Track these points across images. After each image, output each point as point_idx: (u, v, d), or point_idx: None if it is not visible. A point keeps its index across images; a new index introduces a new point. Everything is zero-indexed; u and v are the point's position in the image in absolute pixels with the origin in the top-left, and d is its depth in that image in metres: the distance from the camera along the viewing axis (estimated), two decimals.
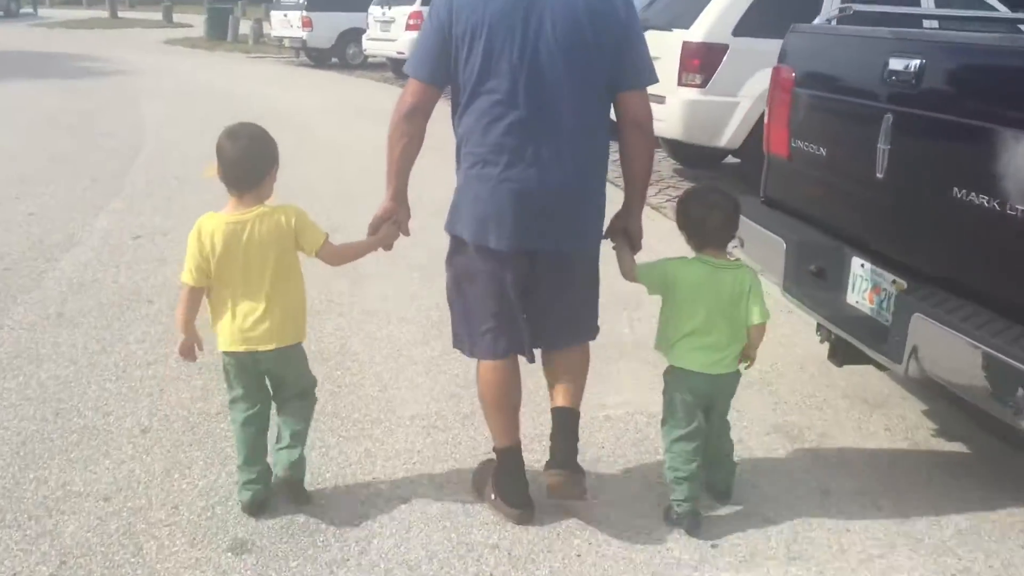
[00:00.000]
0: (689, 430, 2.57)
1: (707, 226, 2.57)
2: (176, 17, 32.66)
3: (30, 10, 36.17)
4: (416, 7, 15.76)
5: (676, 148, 8.15)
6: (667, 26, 7.23)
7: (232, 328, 2.50)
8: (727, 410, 2.71)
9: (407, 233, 2.72)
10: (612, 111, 2.53)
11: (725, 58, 6.91)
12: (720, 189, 2.68)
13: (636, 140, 2.52)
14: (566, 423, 2.64)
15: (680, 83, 7.07)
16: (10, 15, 33.14)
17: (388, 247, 2.72)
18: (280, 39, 19.07)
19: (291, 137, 7.36)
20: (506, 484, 2.69)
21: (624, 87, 2.46)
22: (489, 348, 2.63)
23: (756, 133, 6.18)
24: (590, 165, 2.49)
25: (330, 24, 18.26)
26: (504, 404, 2.68)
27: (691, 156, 8.13)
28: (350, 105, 12.27)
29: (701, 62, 6.98)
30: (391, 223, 2.65)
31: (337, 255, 2.63)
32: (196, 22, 27.48)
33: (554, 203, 2.43)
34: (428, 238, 3.31)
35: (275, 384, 2.65)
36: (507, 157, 2.39)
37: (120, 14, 35.51)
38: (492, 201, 2.42)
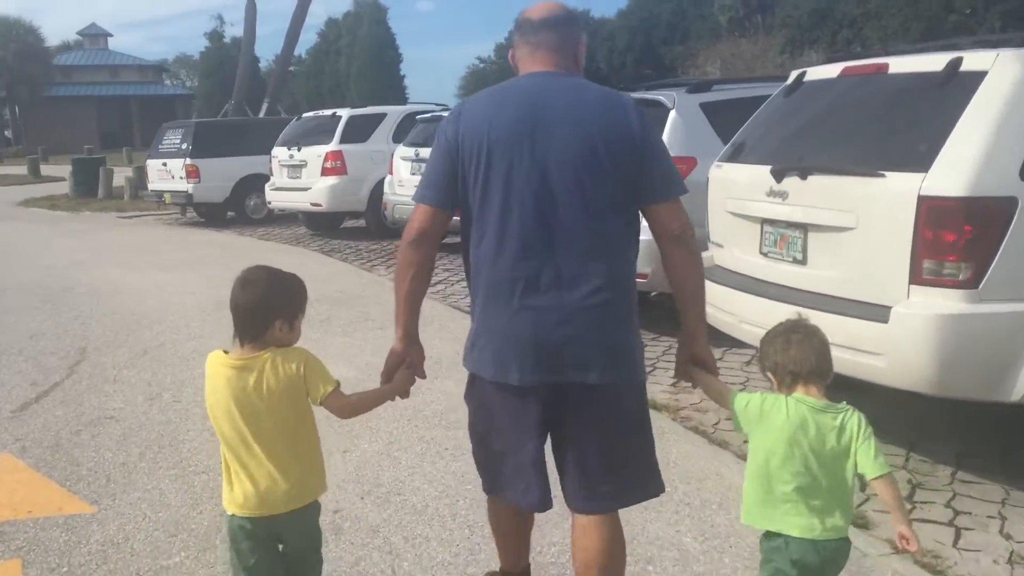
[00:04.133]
0: None
1: (803, 368, 2.25)
2: (50, 170, 28.50)
3: None
4: (334, 145, 12.21)
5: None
6: (858, 165, 3.72)
7: (245, 489, 2.24)
8: None
9: (423, 376, 2.56)
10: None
11: (1014, 224, 3.42)
12: (803, 323, 2.38)
13: (676, 254, 2.35)
14: None
15: (918, 279, 3.51)
16: None
17: (405, 394, 2.52)
18: (159, 194, 15.16)
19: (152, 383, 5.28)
20: None
21: (652, 200, 2.31)
22: (507, 495, 2.50)
23: None
24: (614, 287, 2.30)
25: (223, 172, 14.52)
26: (509, 536, 2.68)
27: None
28: None
29: (968, 234, 3.45)
30: (405, 367, 2.48)
31: (348, 407, 2.37)
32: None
33: (575, 329, 2.25)
34: None
35: (283, 548, 2.35)
36: (523, 285, 2.27)
37: None
38: (511, 333, 2.28)
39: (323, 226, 13.48)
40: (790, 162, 3.99)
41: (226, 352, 2.30)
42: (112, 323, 7.19)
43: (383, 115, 12.93)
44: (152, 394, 5.22)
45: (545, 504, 2.46)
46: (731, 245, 4.53)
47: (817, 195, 3.83)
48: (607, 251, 2.30)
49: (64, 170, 22.73)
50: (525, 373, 2.29)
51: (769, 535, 2.30)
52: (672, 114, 5.97)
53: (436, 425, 4.51)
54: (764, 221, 4.19)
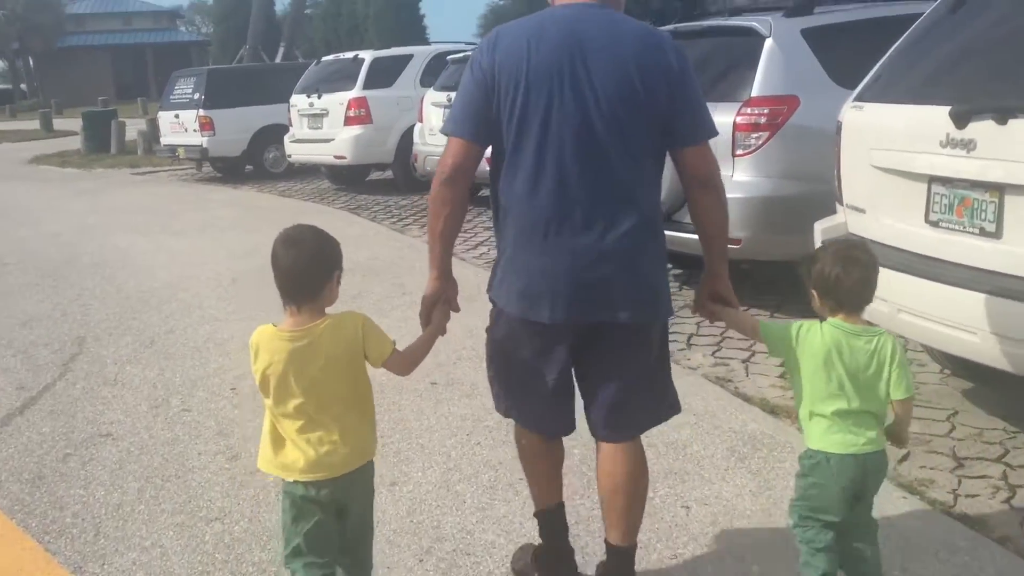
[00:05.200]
0: (828, 520, 2.28)
1: (843, 286, 2.24)
2: (64, 124, 27.62)
3: None
4: (357, 92, 11.19)
5: None
6: None
7: (306, 455, 2.18)
8: (873, 498, 2.35)
9: (457, 309, 2.49)
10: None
11: None
12: (861, 244, 2.49)
13: (703, 198, 2.33)
14: (620, 570, 2.51)
15: None
16: None
17: (444, 331, 2.46)
18: (172, 148, 14.22)
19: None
20: (550, 557, 2.63)
21: (682, 144, 2.27)
22: (527, 422, 2.55)
23: None
24: (646, 226, 2.29)
25: (239, 124, 13.54)
26: (544, 468, 2.61)
27: None
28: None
29: None
30: (442, 304, 2.43)
31: (407, 363, 2.33)
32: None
33: (611, 269, 2.24)
34: None
35: (342, 517, 2.28)
36: (556, 223, 2.23)
37: None
38: (543, 271, 2.26)
39: (348, 180, 12.53)
40: (979, 101, 2.98)
41: (275, 325, 2.20)
42: (117, 304, 6.33)
43: (409, 56, 11.80)
44: (157, 400, 4.37)
45: (569, 428, 2.54)
46: (878, 210, 3.53)
47: (1022, 145, 2.83)
48: (641, 191, 2.28)
49: (78, 124, 21.79)
50: (557, 311, 2.26)
51: (809, 452, 2.32)
52: (768, 44, 4.91)
53: (502, 442, 3.61)
54: (933, 179, 3.19)
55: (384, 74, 11.45)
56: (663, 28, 4.99)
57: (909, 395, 2.26)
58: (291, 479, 2.22)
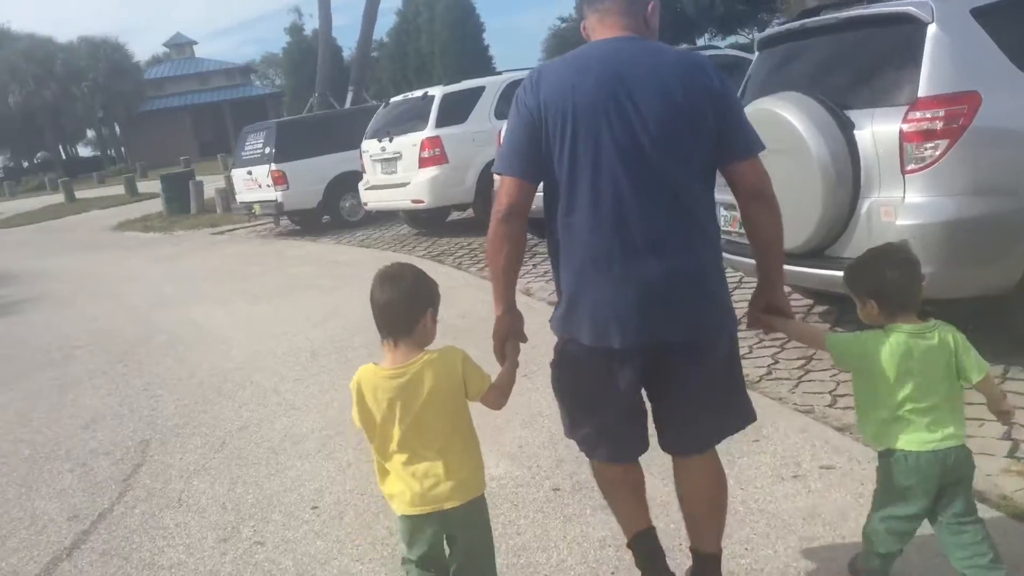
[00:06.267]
0: (909, 513, 2.33)
1: (903, 288, 2.31)
2: (148, 186, 27.96)
3: None
4: (430, 131, 10.53)
5: None
6: None
7: (412, 489, 2.26)
8: (968, 496, 2.34)
9: (524, 340, 2.50)
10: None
11: None
12: (905, 245, 2.53)
13: (758, 210, 2.37)
14: (707, 573, 2.55)
15: None
16: None
17: (517, 364, 2.49)
18: (248, 206, 13.84)
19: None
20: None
21: (733, 158, 2.32)
22: (602, 454, 2.54)
23: None
24: (706, 246, 2.35)
25: (312, 174, 13.07)
26: (626, 495, 2.60)
27: None
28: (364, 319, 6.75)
29: None
30: (512, 337, 2.45)
31: (501, 396, 2.39)
32: None
33: (681, 292, 2.28)
34: None
35: (451, 545, 2.35)
36: (622, 250, 2.26)
37: (85, 193, 31.01)
38: (612, 300, 2.28)
39: (427, 223, 11.87)
40: None
41: (375, 364, 2.29)
42: (187, 392, 5.70)
43: (481, 89, 11.06)
44: (227, 529, 3.64)
45: (643, 447, 2.52)
46: None
47: None
48: (699, 211, 2.31)
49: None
50: (627, 337, 2.28)
51: (887, 452, 2.33)
52: (932, 30, 3.95)
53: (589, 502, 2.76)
54: None
55: (456, 110, 10.75)
56: (775, 24, 4.12)
57: (984, 373, 2.29)
58: (399, 513, 2.30)
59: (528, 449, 4.01)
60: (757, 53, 5.15)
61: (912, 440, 2.27)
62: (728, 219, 5.13)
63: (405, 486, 2.26)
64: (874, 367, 2.30)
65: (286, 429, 4.74)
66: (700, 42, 45.12)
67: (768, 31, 5.04)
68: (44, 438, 5.19)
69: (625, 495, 2.59)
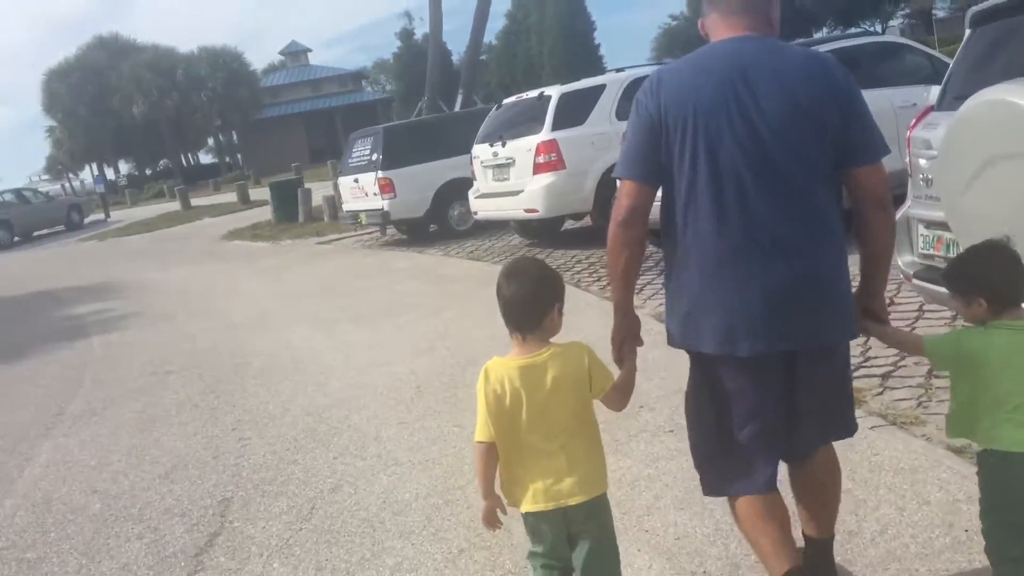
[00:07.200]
0: (1020, 518, 2.24)
1: (1004, 284, 2.27)
2: (260, 193, 28.22)
3: (100, 216, 32.26)
4: (546, 134, 9.71)
5: None
6: None
7: (534, 485, 2.25)
8: None
9: (641, 343, 2.49)
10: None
11: None
12: (1007, 240, 2.33)
13: (876, 218, 2.32)
14: (820, 559, 2.55)
15: None
16: (73, 228, 29.12)
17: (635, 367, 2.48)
18: (355, 215, 13.34)
19: None
20: None
21: (856, 163, 2.25)
22: (750, 482, 2.41)
23: None
24: (832, 248, 2.29)
25: (420, 181, 12.44)
26: (773, 530, 2.42)
27: None
28: (479, 348, 5.96)
29: None
30: (629, 340, 2.46)
31: (623, 397, 2.38)
32: None
33: (809, 295, 2.24)
34: None
35: (574, 545, 2.31)
36: (748, 253, 2.22)
37: (201, 200, 31.62)
38: (742, 304, 2.23)
39: (540, 233, 11.08)
40: None
41: (501, 358, 2.30)
42: (279, 436, 5.02)
43: (601, 87, 10.12)
44: None
45: (773, 484, 2.43)
46: None
47: None
48: (823, 214, 2.25)
49: None
50: (757, 343, 2.23)
51: (992, 452, 2.29)
52: None
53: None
54: None
55: (574, 111, 9.86)
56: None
57: None
58: (523, 510, 2.29)
59: (688, 543, 3.11)
60: (969, 31, 4.10)
61: (1017, 439, 2.22)
62: (930, 240, 4.11)
63: (529, 482, 2.25)
64: (978, 366, 2.26)
65: (386, 493, 3.97)
66: (818, 34, 43.03)
67: (985, 4, 3.99)
68: (119, 489, 4.60)
69: (772, 530, 2.42)
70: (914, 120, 4.34)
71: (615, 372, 2.39)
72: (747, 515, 2.46)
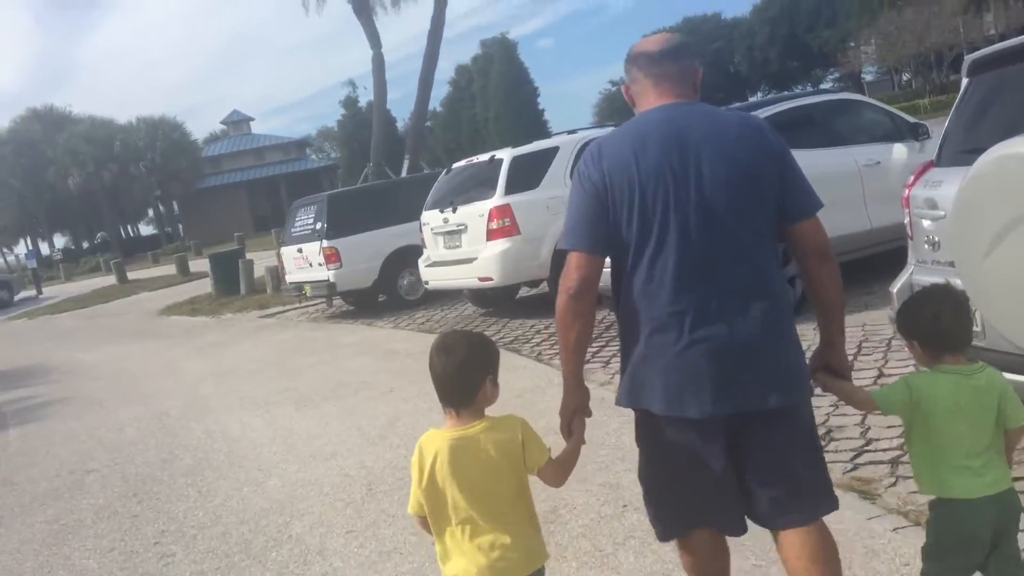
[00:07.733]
0: (967, 563, 2.29)
1: (942, 328, 2.30)
2: (201, 265, 27.30)
3: (31, 293, 30.83)
4: (499, 199, 9.32)
5: None
6: None
7: (476, 564, 2.19)
8: (1016, 541, 2.34)
9: (590, 415, 2.49)
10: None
11: None
12: (944, 286, 2.46)
13: (822, 269, 2.36)
14: None
15: None
16: (2, 305, 27.54)
17: (583, 442, 2.47)
18: (299, 286, 12.71)
19: None
20: None
21: (797, 218, 2.32)
22: (691, 519, 2.45)
23: None
24: (779, 307, 2.31)
25: (367, 251, 11.90)
26: (716, 572, 2.53)
27: None
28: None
29: None
30: (579, 414, 2.45)
31: (560, 473, 2.33)
32: None
33: (752, 356, 2.24)
34: None
35: None
36: (691, 317, 2.24)
37: (139, 273, 30.54)
38: (685, 366, 2.26)
39: (494, 301, 10.59)
40: None
41: (436, 429, 2.29)
42: (208, 551, 4.36)
43: (555, 149, 9.72)
44: None
45: (741, 527, 2.44)
46: None
47: None
48: (767, 274, 2.30)
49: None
50: (704, 405, 2.25)
51: (940, 501, 2.31)
52: None
53: None
54: None
55: (528, 174, 9.44)
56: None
57: (1022, 421, 2.30)
58: None
59: None
60: (967, 80, 3.77)
61: (969, 487, 2.25)
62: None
63: (469, 561, 2.20)
64: (929, 413, 2.29)
65: None
66: (752, 99, 44.02)
67: (983, 52, 3.66)
68: None
69: (716, 572, 2.51)
70: (912, 177, 3.97)
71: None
72: (689, 555, 2.52)
